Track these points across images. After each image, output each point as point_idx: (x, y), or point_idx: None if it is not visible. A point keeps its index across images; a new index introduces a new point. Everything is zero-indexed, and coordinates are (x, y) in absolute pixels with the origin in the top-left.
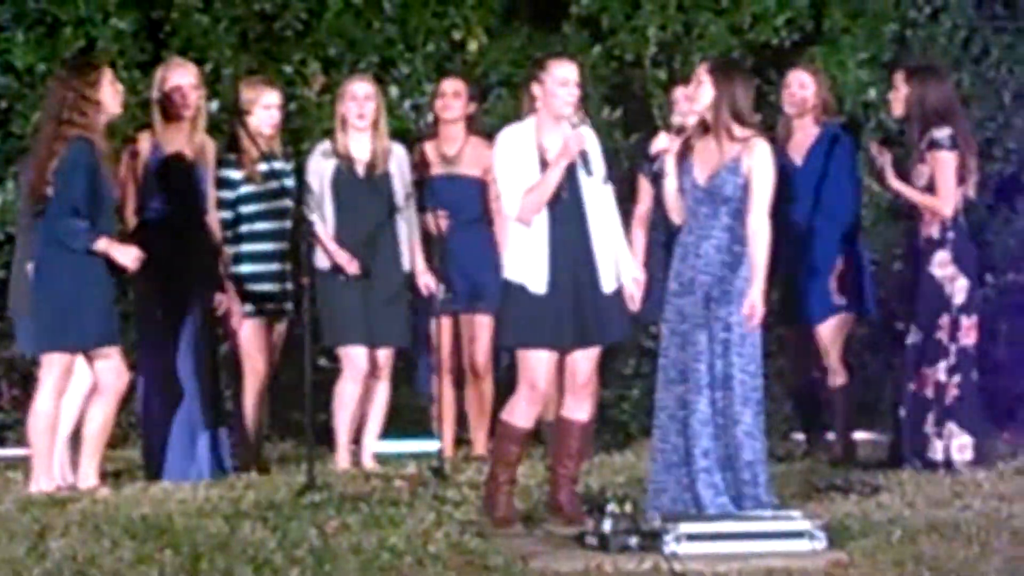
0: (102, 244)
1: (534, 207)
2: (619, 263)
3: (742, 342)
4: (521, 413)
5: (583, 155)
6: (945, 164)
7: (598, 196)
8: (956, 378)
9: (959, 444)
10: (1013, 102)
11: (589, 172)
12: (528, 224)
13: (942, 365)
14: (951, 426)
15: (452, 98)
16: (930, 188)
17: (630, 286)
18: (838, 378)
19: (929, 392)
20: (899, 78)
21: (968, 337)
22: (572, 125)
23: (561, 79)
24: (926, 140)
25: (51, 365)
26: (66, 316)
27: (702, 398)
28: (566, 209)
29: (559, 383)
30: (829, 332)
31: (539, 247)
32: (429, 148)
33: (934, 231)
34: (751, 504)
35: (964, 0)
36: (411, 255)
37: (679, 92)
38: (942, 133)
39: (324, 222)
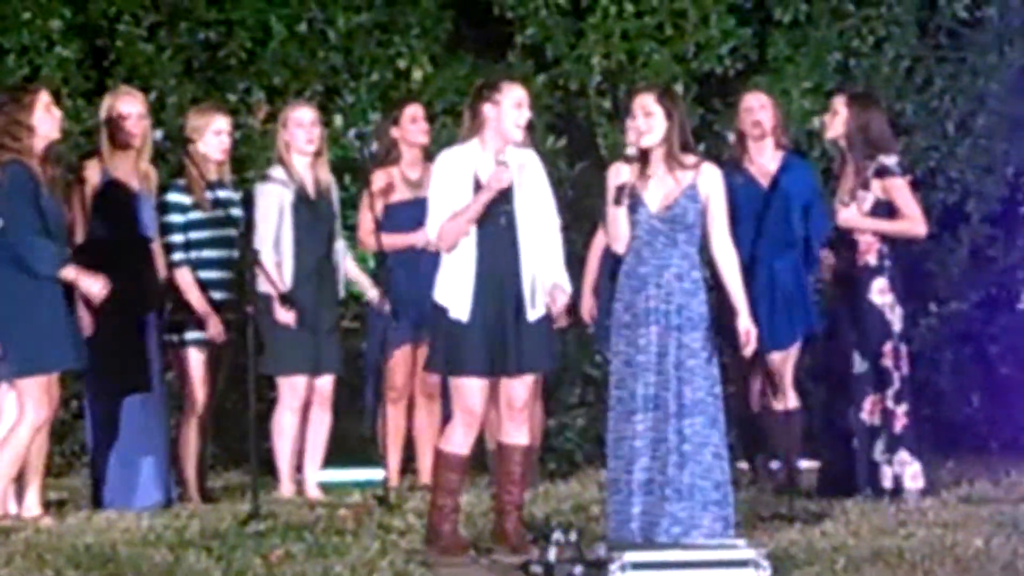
0: (70, 272)
1: (453, 235)
2: (553, 286)
3: (707, 366)
4: (458, 440)
5: (506, 191)
6: (901, 189)
7: (536, 224)
8: (904, 406)
9: (911, 472)
10: (956, 132)
11: (509, 195)
12: (449, 250)
13: (889, 392)
14: (903, 454)
15: (422, 122)
16: (875, 212)
17: (553, 291)
18: (789, 403)
19: (876, 420)
20: (839, 102)
21: (908, 365)
22: (498, 163)
23: (516, 100)
24: (873, 167)
25: (27, 393)
26: (34, 339)
27: (669, 427)
28: (500, 236)
29: (500, 409)
30: (781, 358)
31: (466, 274)
32: (394, 172)
33: (871, 259)
34: (721, 526)
35: (907, 30)
36: (356, 277)
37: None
38: (891, 160)
39: (279, 251)
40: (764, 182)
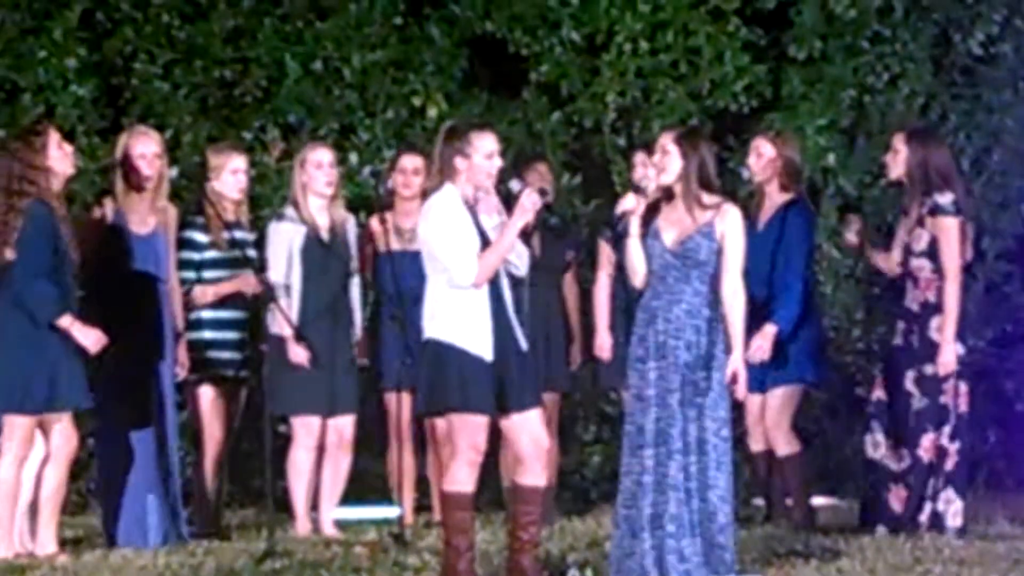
0: (66, 322)
1: (491, 269)
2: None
3: (715, 407)
4: (464, 478)
5: (538, 215)
6: (950, 230)
7: (516, 256)
8: (957, 443)
9: (954, 510)
10: (971, 168)
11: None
12: (479, 287)
13: (946, 430)
14: (949, 492)
15: (412, 175)
16: (930, 252)
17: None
18: (787, 448)
19: (929, 457)
20: (899, 140)
21: (965, 403)
22: (520, 189)
23: (487, 152)
24: (928, 205)
25: (13, 430)
26: (30, 378)
27: (673, 463)
28: (499, 272)
29: (515, 449)
30: (779, 401)
31: (481, 311)
32: (389, 220)
33: (931, 295)
34: (723, 569)
35: (922, 67)
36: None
37: (639, 157)
38: (945, 199)
39: (289, 290)
40: (761, 225)
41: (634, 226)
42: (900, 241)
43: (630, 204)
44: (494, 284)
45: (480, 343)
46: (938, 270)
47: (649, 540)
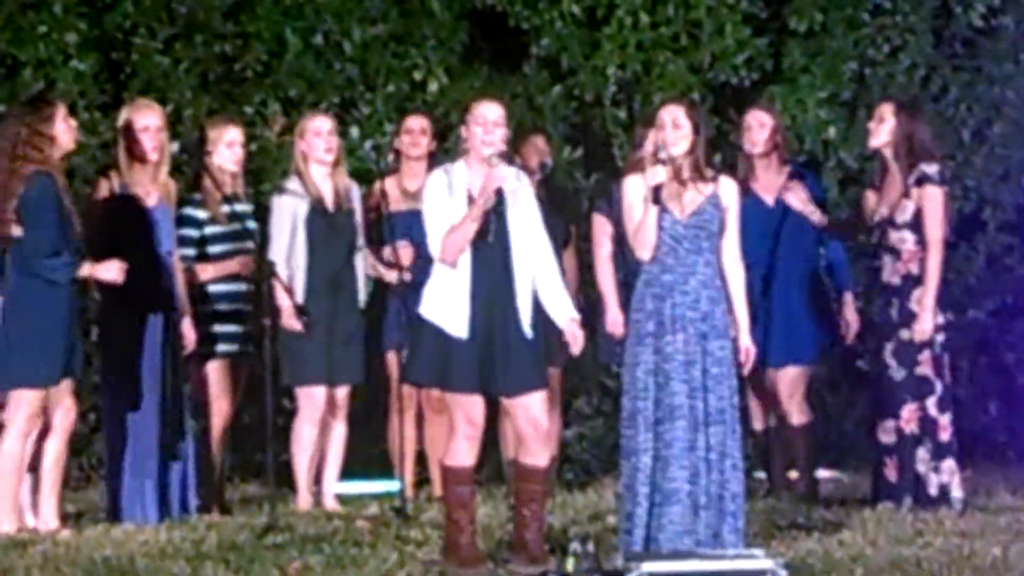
0: (86, 269)
1: (456, 248)
2: (555, 306)
3: (729, 375)
4: (463, 452)
5: (499, 193)
6: (935, 199)
7: (528, 240)
8: (948, 415)
9: (958, 481)
10: (972, 140)
11: (501, 212)
12: (452, 266)
13: (931, 401)
14: (949, 462)
15: (419, 135)
16: (914, 223)
17: (569, 327)
18: (802, 417)
19: (915, 428)
20: (887, 110)
21: (950, 374)
22: (490, 165)
23: (480, 119)
24: (915, 175)
25: (20, 404)
26: (39, 351)
27: (699, 435)
28: (491, 252)
29: (514, 426)
30: (792, 375)
31: (461, 290)
32: (390, 184)
33: (913, 267)
34: (735, 537)
35: (923, 39)
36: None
37: (651, 132)
38: (932, 168)
39: (291, 264)
40: (770, 199)
41: (656, 195)
42: (878, 213)
43: (662, 176)
44: (481, 259)
45: (455, 322)
46: (921, 242)
47: (680, 513)
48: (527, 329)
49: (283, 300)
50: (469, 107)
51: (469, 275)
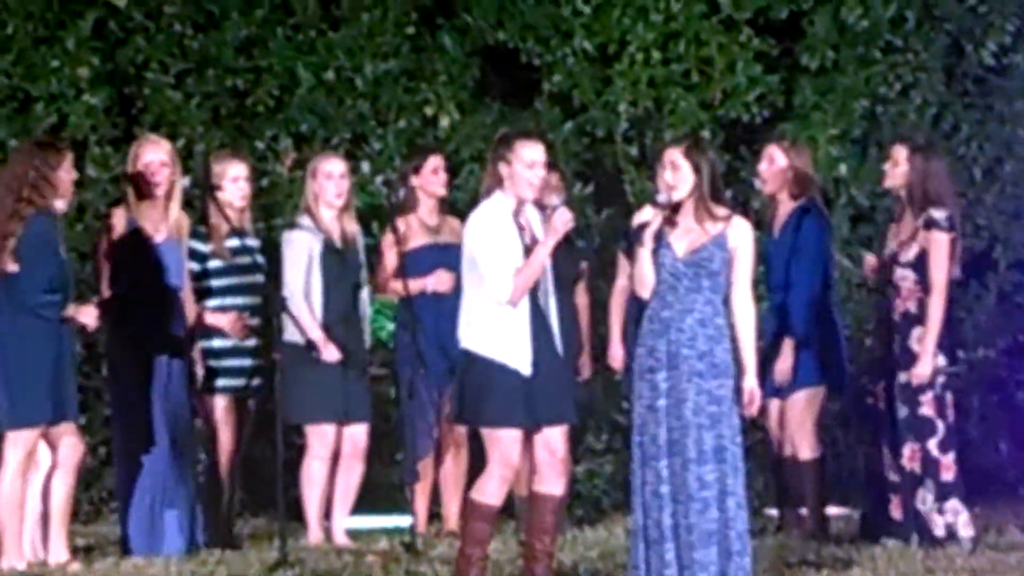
0: (70, 310)
1: (525, 289)
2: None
3: (731, 413)
4: (493, 491)
5: (568, 236)
6: (941, 245)
7: (558, 270)
8: (951, 455)
9: (963, 520)
10: (983, 178)
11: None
12: (515, 304)
13: (933, 441)
14: (954, 503)
15: (443, 174)
16: (917, 264)
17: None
18: (809, 452)
19: (917, 467)
20: (901, 154)
21: (953, 414)
22: (552, 208)
23: (528, 161)
24: (923, 219)
25: (17, 443)
26: (29, 390)
27: (689, 474)
28: (539, 287)
29: (531, 458)
30: (800, 406)
31: (521, 327)
32: (412, 220)
33: (911, 306)
34: (741, 575)
35: (934, 77)
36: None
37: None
38: (940, 214)
39: (308, 300)
40: (776, 233)
41: (647, 238)
42: (888, 249)
43: (646, 216)
44: (533, 294)
45: (518, 357)
46: (921, 282)
47: (672, 551)
48: (561, 349)
49: (314, 332)
50: (511, 146)
51: (528, 312)
